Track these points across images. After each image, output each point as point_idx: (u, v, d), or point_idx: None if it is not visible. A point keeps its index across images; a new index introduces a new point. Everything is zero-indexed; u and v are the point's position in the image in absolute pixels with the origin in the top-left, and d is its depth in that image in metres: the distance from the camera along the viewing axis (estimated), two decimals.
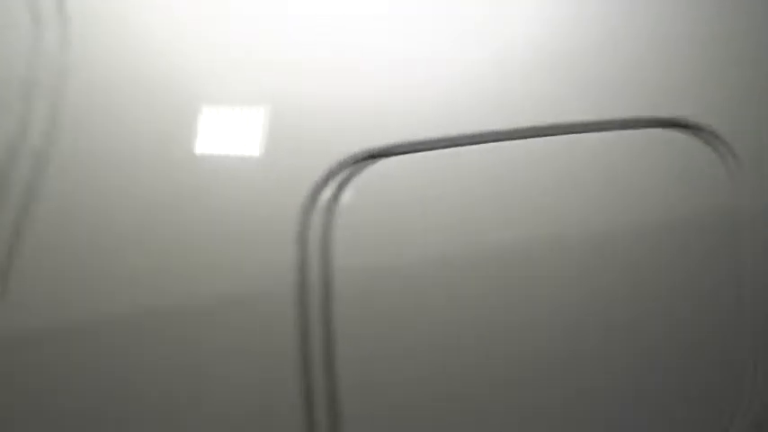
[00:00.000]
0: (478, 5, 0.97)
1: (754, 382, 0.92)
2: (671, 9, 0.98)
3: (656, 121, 0.94)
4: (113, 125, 0.92)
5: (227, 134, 0.92)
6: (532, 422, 0.90)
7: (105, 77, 0.93)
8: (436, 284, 0.90)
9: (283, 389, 0.88)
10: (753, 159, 0.94)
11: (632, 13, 0.98)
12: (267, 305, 0.88)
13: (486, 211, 0.91)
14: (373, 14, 0.96)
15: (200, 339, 0.88)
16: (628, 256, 0.92)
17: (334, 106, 0.92)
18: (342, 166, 0.91)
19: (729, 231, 0.93)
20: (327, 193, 0.91)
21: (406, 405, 0.90)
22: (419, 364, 0.90)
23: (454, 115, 0.93)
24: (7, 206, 0.89)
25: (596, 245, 0.91)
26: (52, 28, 0.94)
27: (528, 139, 0.93)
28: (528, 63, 0.95)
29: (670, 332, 0.92)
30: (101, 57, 0.94)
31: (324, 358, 0.89)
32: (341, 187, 0.91)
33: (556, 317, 0.90)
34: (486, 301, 0.90)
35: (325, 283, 0.89)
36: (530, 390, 0.90)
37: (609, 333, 0.91)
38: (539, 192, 0.92)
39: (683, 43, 0.97)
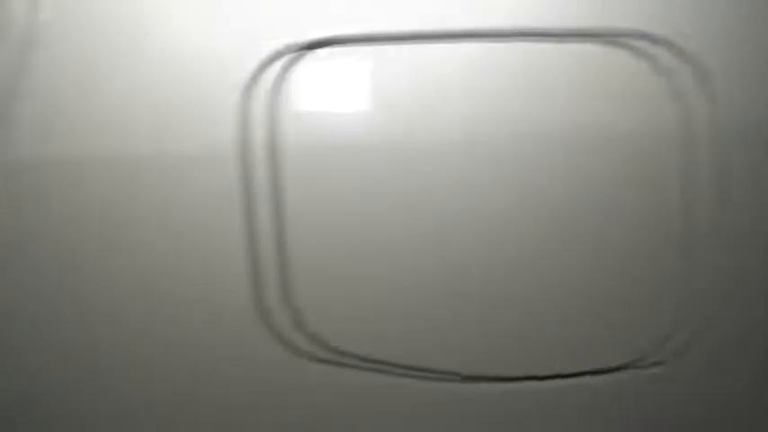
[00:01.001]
0: None
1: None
2: None
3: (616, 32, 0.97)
4: None
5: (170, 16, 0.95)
6: None
7: None
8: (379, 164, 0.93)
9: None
10: (720, 74, 0.97)
11: None
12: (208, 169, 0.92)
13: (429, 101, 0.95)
14: None
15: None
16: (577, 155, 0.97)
17: None
18: (286, 51, 0.94)
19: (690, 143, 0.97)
20: (272, 75, 0.94)
21: (359, 284, 0.93)
22: (366, 240, 0.93)
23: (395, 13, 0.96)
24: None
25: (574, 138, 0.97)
26: None
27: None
28: None
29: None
30: None
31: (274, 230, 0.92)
32: (286, 70, 0.94)
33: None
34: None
35: (271, 153, 0.92)
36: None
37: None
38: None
39: None
